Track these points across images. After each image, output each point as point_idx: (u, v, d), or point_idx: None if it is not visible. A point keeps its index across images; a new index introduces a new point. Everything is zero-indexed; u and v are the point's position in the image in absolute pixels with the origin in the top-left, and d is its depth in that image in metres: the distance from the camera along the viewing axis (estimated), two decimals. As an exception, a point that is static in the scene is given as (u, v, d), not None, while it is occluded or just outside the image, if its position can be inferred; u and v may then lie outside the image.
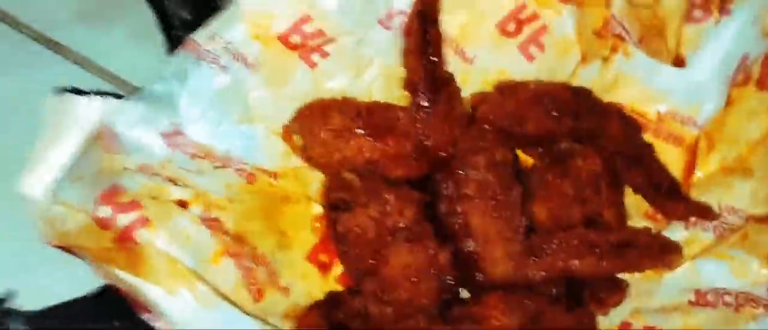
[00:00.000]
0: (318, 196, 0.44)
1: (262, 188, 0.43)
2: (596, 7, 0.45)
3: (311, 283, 0.43)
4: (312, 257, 0.44)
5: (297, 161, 0.44)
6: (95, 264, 0.35)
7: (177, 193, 0.39)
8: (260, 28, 0.41)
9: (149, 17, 0.47)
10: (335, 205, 0.42)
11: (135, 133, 0.39)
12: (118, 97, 0.40)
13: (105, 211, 0.36)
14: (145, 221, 0.36)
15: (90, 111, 0.38)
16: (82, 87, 0.45)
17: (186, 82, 0.41)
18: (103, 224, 0.35)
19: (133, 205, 0.36)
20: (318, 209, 0.44)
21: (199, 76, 0.41)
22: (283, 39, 0.42)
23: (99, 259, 0.35)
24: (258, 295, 0.40)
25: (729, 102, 0.46)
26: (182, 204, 0.39)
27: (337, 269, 0.44)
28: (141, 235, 0.36)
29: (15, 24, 0.47)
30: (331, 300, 0.42)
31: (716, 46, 0.46)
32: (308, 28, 0.42)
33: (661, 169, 0.46)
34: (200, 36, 0.40)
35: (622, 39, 0.47)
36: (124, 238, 0.36)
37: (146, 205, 0.36)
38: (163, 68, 0.41)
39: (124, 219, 0.36)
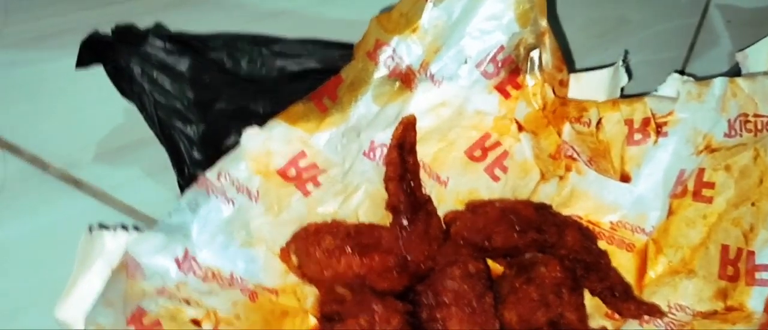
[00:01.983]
0: (313, 310, 0.48)
1: (263, 304, 0.47)
2: (550, 135, 0.52)
3: (310, 390, 0.47)
4: (310, 365, 0.48)
5: (294, 279, 0.49)
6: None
7: (191, 313, 0.44)
8: (261, 165, 0.47)
9: (162, 155, 0.52)
10: (329, 316, 0.46)
11: (154, 261, 0.45)
12: (137, 228, 0.46)
13: (132, 332, 0.41)
14: (165, 339, 0.42)
15: (116, 243, 0.44)
16: (103, 220, 0.50)
17: (197, 213, 0.46)
18: (131, 344, 0.41)
19: (155, 324, 0.41)
20: (313, 321, 0.48)
21: (209, 208, 0.46)
22: (282, 173, 0.48)
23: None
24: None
25: (671, 212, 0.52)
26: (196, 322, 0.44)
27: (333, 376, 0.48)
28: (162, 351, 0.41)
29: (43, 165, 0.53)
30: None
31: (656, 164, 0.52)
32: (303, 163, 0.48)
33: (615, 274, 0.51)
34: (211, 174, 0.46)
35: (575, 159, 0.53)
36: (149, 355, 0.41)
37: (166, 325, 0.42)
38: (178, 202, 0.46)
39: (147, 338, 0.41)
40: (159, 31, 0.51)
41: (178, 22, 0.55)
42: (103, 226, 0.46)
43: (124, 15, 0.55)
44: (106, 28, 0.52)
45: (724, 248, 0.50)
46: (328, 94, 0.48)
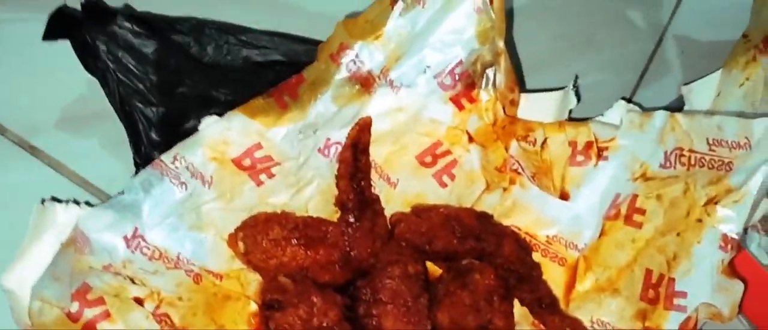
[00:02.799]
0: (255, 296, 0.50)
1: (207, 287, 0.49)
2: (497, 149, 0.54)
3: (246, 373, 0.49)
4: (247, 349, 0.50)
5: (239, 265, 0.50)
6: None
7: (135, 291, 0.46)
8: (217, 152, 0.49)
9: (120, 130, 0.52)
10: (270, 304, 0.48)
11: (103, 237, 0.46)
12: (89, 203, 0.47)
13: (74, 306, 0.42)
14: (106, 315, 0.43)
15: (67, 217, 0.45)
16: (56, 190, 0.51)
17: (150, 193, 0.47)
18: (73, 317, 0.42)
19: (99, 301, 0.43)
20: (254, 308, 0.50)
21: (162, 189, 0.47)
22: (237, 162, 0.49)
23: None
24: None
25: (603, 232, 0.55)
26: (139, 301, 0.45)
27: (270, 361, 0.50)
28: (102, 327, 0.43)
29: (0, 129, 0.53)
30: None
31: (595, 185, 0.54)
32: (258, 154, 0.50)
33: (544, 287, 0.54)
34: (166, 156, 0.48)
35: (519, 173, 0.55)
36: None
37: (109, 302, 0.43)
38: (132, 180, 0.48)
39: (89, 313, 0.43)
40: (127, 11, 0.52)
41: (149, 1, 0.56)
42: (56, 199, 0.47)
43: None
44: (76, -1, 0.52)
45: (648, 272, 0.53)
46: (288, 91, 0.49)
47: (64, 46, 0.52)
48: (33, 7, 0.54)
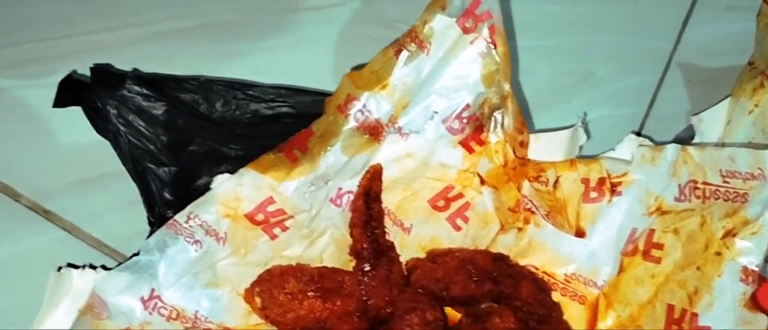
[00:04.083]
0: (275, 352, 0.50)
1: (226, 345, 0.49)
2: (510, 190, 0.54)
3: None
4: (269, 406, 0.50)
5: (257, 320, 0.50)
6: None
7: (155, 353, 0.46)
8: (230, 209, 0.49)
9: (133, 189, 0.52)
10: (290, 359, 0.49)
11: (120, 300, 0.46)
12: (105, 267, 0.47)
13: (95, 373, 0.42)
14: (128, 379, 0.43)
15: (83, 282, 0.45)
16: (72, 252, 0.51)
17: (165, 253, 0.48)
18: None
19: (120, 363, 0.43)
20: (275, 363, 0.50)
21: (177, 249, 0.48)
22: (250, 217, 0.50)
23: None
24: None
25: (622, 269, 0.54)
26: (159, 362, 0.45)
27: None
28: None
29: (14, 194, 0.54)
30: None
31: (610, 221, 0.54)
32: (271, 208, 0.50)
33: (565, 327, 0.53)
34: (180, 216, 0.48)
35: (533, 212, 0.55)
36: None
37: (130, 365, 0.43)
38: (147, 242, 0.48)
39: (111, 378, 0.43)
40: (136, 74, 0.53)
41: (159, 55, 0.57)
42: (72, 265, 0.47)
43: (102, 45, 0.56)
44: (84, 58, 0.53)
45: (670, 308, 0.52)
46: (298, 145, 0.49)
47: (75, 110, 0.52)
48: (42, 73, 0.55)
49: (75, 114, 0.53)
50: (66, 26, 0.56)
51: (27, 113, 0.56)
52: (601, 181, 0.54)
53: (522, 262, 0.55)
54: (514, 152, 0.53)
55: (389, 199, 0.54)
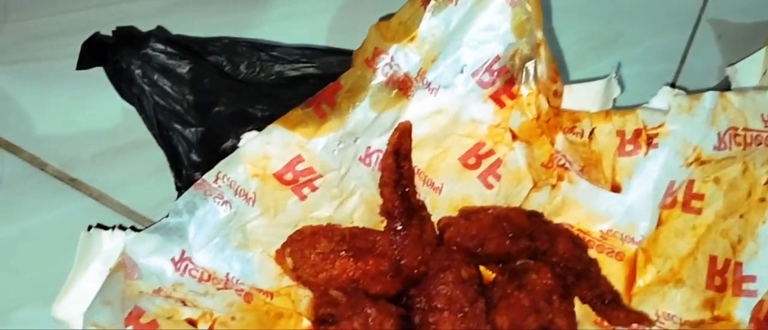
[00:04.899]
0: (307, 312, 0.49)
1: (258, 306, 0.48)
2: (543, 144, 0.53)
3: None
4: (303, 367, 0.48)
5: (289, 281, 0.49)
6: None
7: (187, 313, 0.45)
8: (259, 168, 0.48)
9: (160, 156, 0.52)
10: (323, 319, 0.47)
11: (151, 262, 0.45)
12: (135, 229, 0.46)
13: (128, 330, 0.41)
14: (161, 338, 0.42)
15: (113, 243, 0.44)
16: (100, 220, 0.51)
17: (194, 215, 0.47)
18: (128, 342, 0.41)
19: (152, 324, 0.42)
20: (307, 324, 0.49)
21: (206, 210, 0.47)
22: (279, 176, 0.49)
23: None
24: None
25: (660, 222, 0.53)
26: (192, 322, 0.45)
27: (326, 378, 0.48)
28: (158, 350, 0.42)
29: (41, 164, 0.53)
30: None
31: (647, 175, 0.52)
32: (300, 167, 0.49)
33: (604, 282, 0.52)
34: (209, 176, 0.47)
35: (567, 168, 0.54)
36: (145, 353, 0.41)
37: (163, 324, 0.42)
38: (175, 203, 0.47)
39: (144, 337, 0.42)
40: (160, 34, 0.52)
41: (179, 25, 0.56)
42: (101, 226, 0.46)
43: (124, 16, 0.56)
44: (107, 28, 0.52)
45: (712, 259, 0.51)
46: (326, 100, 0.48)
47: (99, 78, 0.52)
48: (65, 44, 0.54)
49: (100, 82, 0.52)
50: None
51: (51, 84, 0.56)
52: (637, 133, 0.52)
53: (556, 221, 0.54)
54: (548, 101, 0.51)
55: (419, 158, 0.53)
